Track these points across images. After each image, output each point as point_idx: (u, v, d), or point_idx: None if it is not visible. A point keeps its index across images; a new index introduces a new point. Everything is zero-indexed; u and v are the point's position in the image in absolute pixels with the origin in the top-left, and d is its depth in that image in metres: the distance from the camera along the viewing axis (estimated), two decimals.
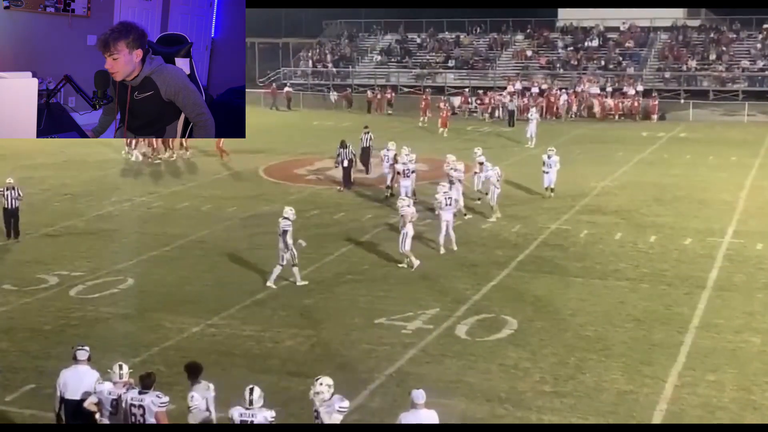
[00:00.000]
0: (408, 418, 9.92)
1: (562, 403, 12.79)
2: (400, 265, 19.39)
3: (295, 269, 18.18)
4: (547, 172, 26.09)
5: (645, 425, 12.23)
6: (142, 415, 9.98)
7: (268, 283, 18.12)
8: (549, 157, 26.15)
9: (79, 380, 10.69)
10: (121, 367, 10.36)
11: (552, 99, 48.57)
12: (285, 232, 17.83)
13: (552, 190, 26.16)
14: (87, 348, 11.03)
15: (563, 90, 50.26)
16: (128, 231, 22.95)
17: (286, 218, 17.92)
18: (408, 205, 19.55)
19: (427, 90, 52.13)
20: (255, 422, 9.61)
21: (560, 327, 15.83)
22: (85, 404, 10.37)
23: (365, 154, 30.50)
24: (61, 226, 23.33)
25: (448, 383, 13.49)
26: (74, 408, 10.67)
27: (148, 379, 10.18)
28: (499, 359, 14.38)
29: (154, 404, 9.98)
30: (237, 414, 9.71)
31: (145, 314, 16.62)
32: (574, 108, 48.29)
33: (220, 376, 13.67)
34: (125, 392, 10.15)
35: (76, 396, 10.64)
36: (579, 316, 16.41)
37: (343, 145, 28.18)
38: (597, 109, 48.23)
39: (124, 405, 10.10)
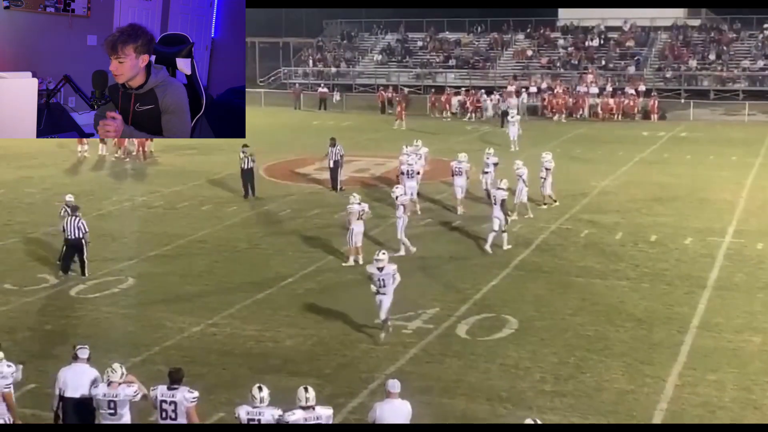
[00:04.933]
0: (383, 407, 10.17)
1: (563, 403, 12.79)
2: (344, 264, 19.56)
3: (505, 235, 20.60)
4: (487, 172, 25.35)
5: (645, 425, 12.23)
6: (174, 411, 10.01)
7: (486, 247, 20.39)
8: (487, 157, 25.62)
9: (78, 379, 10.71)
10: (118, 368, 10.34)
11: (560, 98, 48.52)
12: (503, 201, 20.47)
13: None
14: (87, 347, 11.05)
15: (524, 89, 49.97)
16: (128, 231, 22.95)
17: (501, 189, 20.58)
18: (358, 203, 19.69)
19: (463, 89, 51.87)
20: (263, 420, 9.63)
21: (560, 326, 15.83)
22: None
23: (247, 176, 26.66)
24: (61, 225, 23.29)
25: (448, 383, 13.49)
26: (73, 406, 10.69)
27: (177, 374, 10.20)
28: (499, 359, 14.38)
29: (186, 400, 10.02)
30: (244, 412, 9.75)
31: (145, 314, 16.63)
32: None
33: (220, 376, 13.72)
34: (154, 389, 10.18)
35: (76, 394, 10.67)
36: (579, 315, 16.42)
37: (332, 143, 27.75)
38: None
39: (154, 401, 10.13)
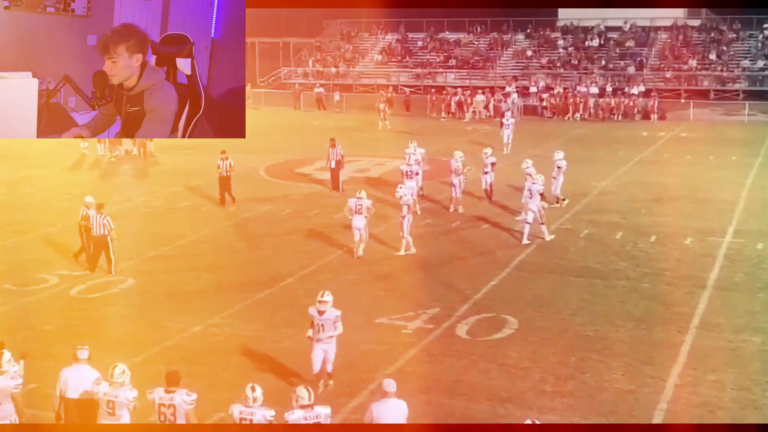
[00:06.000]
0: (379, 407, 10.22)
1: (563, 403, 12.78)
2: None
3: (543, 227, 21.32)
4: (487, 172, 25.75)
5: (645, 425, 12.21)
6: (173, 414, 10.01)
7: (524, 241, 20.96)
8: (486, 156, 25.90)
9: (79, 379, 10.76)
10: (116, 368, 10.34)
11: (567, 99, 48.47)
12: (540, 194, 21.30)
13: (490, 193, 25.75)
14: (87, 348, 11.07)
15: (515, 89, 49.82)
16: (128, 231, 22.92)
17: (534, 183, 21.06)
18: (358, 198, 20.02)
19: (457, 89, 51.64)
20: (254, 420, 9.66)
21: (561, 326, 15.83)
22: None
23: (225, 183, 25.94)
24: (61, 225, 23.30)
25: (448, 383, 13.49)
26: (74, 406, 10.72)
27: (174, 377, 10.19)
28: (499, 359, 14.38)
29: (185, 402, 10.02)
30: (237, 411, 9.79)
31: (145, 314, 16.63)
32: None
33: (220, 376, 13.72)
34: (150, 393, 10.18)
35: (76, 395, 10.71)
36: (579, 315, 16.41)
37: (332, 143, 27.72)
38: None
39: (153, 404, 10.14)
